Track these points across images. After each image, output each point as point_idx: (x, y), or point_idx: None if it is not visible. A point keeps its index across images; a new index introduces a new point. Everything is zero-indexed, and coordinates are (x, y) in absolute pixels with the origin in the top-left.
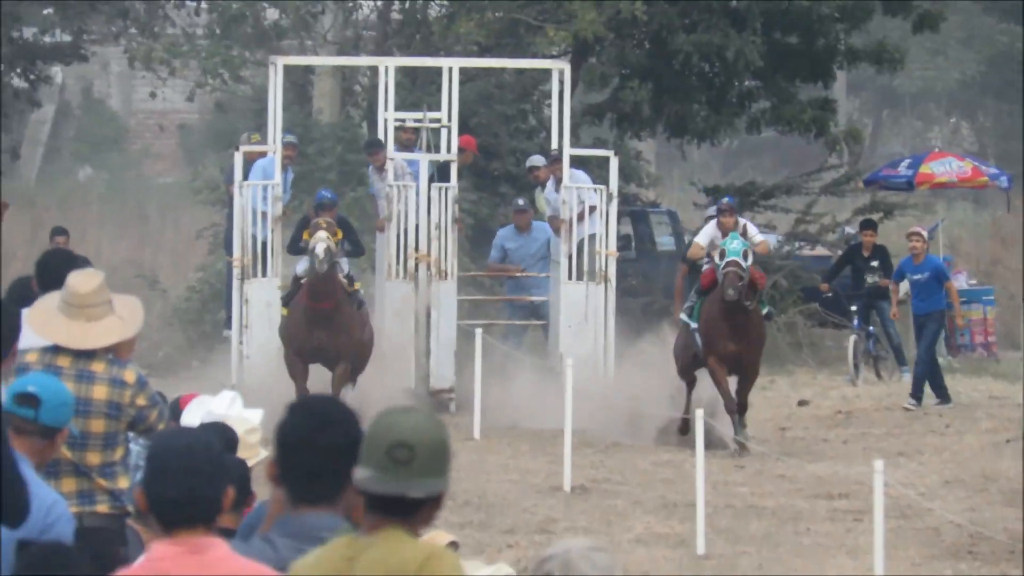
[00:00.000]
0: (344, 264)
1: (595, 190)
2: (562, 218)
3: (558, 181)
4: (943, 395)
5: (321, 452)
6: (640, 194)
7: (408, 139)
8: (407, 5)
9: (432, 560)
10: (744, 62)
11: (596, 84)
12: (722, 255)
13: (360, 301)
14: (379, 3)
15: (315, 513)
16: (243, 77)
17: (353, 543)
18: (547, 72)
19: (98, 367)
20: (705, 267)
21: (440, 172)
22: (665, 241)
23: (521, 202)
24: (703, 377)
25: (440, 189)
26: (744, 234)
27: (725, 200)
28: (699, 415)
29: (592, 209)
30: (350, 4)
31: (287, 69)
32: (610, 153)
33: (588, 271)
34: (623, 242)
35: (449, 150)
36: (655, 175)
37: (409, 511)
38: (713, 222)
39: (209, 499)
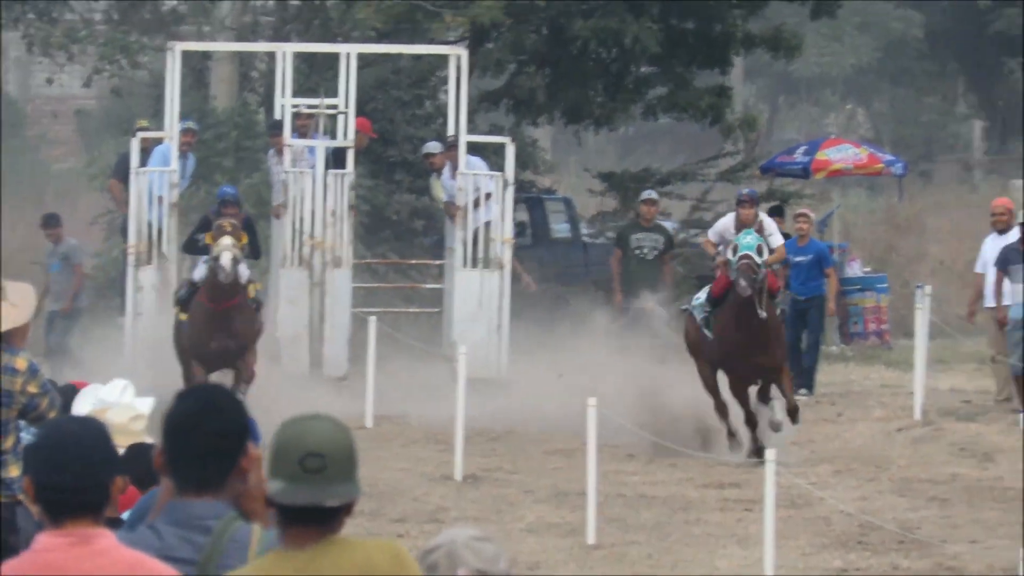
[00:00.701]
0: (244, 269)
1: (491, 177)
2: (458, 205)
3: (454, 168)
4: (809, 384)
5: (207, 439)
6: (536, 181)
7: (304, 125)
8: None
9: (399, 556)
10: (641, 48)
11: (493, 70)
12: (735, 250)
13: (259, 303)
14: None
15: (201, 501)
16: (141, 63)
17: (289, 559)
18: (444, 58)
19: None
20: (717, 261)
21: (336, 158)
22: (561, 228)
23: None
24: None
25: (336, 176)
26: (760, 230)
27: (746, 191)
28: (592, 403)
29: (488, 196)
30: None
31: (185, 55)
32: (506, 140)
33: (483, 258)
34: (519, 229)
35: (346, 136)
36: (551, 162)
37: (325, 519)
38: (730, 215)
39: (97, 489)
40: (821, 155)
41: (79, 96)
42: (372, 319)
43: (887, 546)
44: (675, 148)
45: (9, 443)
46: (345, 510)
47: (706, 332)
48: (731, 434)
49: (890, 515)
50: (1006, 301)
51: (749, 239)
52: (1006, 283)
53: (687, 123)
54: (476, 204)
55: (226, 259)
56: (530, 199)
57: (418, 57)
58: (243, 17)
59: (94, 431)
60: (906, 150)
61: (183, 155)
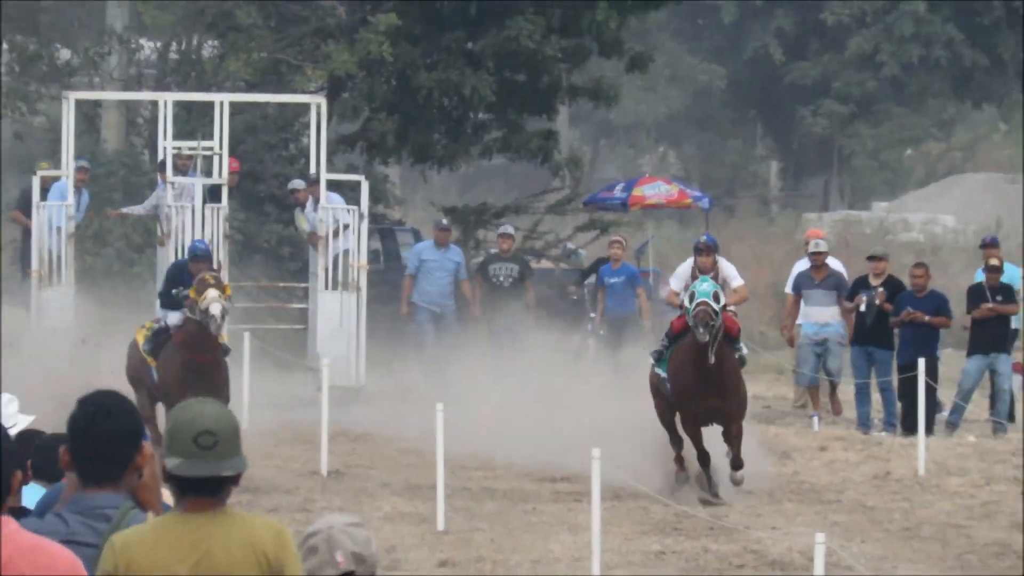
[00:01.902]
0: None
1: (348, 210)
2: (319, 234)
3: (316, 202)
4: None
5: (105, 439)
6: (387, 214)
7: (184, 164)
8: (183, 46)
9: (280, 534)
10: (478, 97)
11: (348, 116)
12: (692, 297)
13: (227, 349)
14: (158, 44)
15: (102, 493)
16: (39, 110)
17: (184, 521)
18: (306, 106)
19: None
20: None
21: (212, 194)
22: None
23: (445, 222)
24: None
25: (213, 209)
26: (716, 277)
27: (703, 239)
28: (440, 407)
29: (346, 227)
30: (132, 46)
31: (78, 103)
32: (361, 177)
33: (342, 281)
34: (373, 256)
35: (220, 174)
36: (400, 197)
37: (217, 490)
38: (689, 261)
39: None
40: (637, 191)
41: None
42: (246, 335)
43: (699, 532)
44: (509, 185)
45: None
46: (234, 481)
47: (659, 371)
48: (680, 464)
49: (701, 506)
50: (799, 321)
51: (705, 286)
52: (801, 304)
53: (519, 163)
54: (335, 234)
55: (217, 310)
56: (382, 230)
57: (283, 105)
58: (129, 69)
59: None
60: (711, 187)
61: (78, 190)
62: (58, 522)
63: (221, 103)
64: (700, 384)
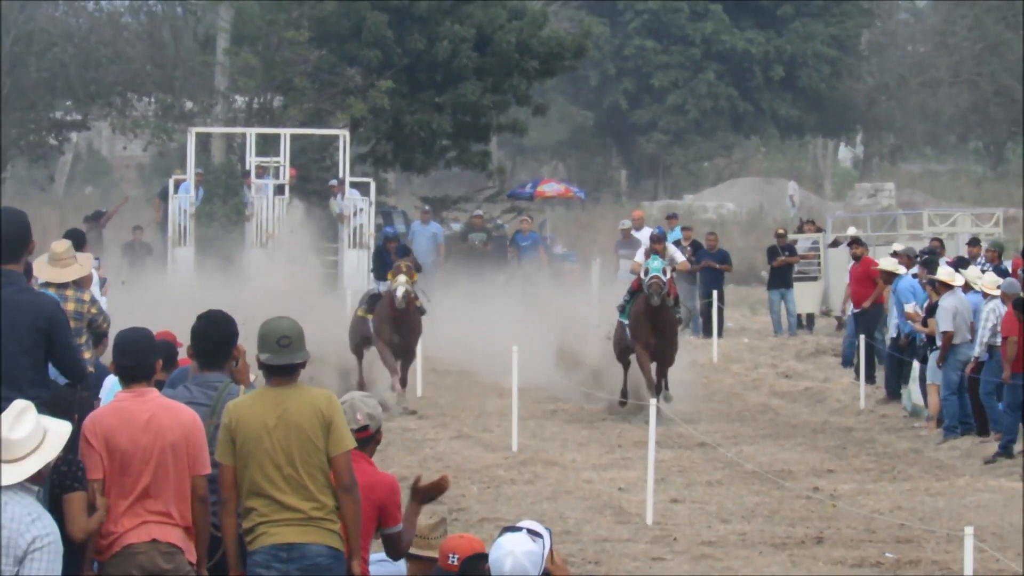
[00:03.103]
0: (415, 294)
1: (362, 199)
2: (344, 214)
3: (343, 194)
4: None
5: (214, 340)
6: (386, 201)
7: (261, 172)
8: (262, 100)
9: (331, 399)
10: (442, 131)
11: (362, 142)
12: (646, 272)
13: (422, 311)
14: (246, 98)
15: (212, 373)
16: (173, 138)
17: (271, 392)
18: (336, 136)
19: (68, 292)
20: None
21: (278, 190)
22: (400, 227)
23: (426, 207)
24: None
25: (280, 199)
26: (663, 255)
27: (655, 231)
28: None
29: (361, 210)
30: (230, 99)
31: (197, 134)
32: (371, 180)
33: (358, 242)
34: (377, 227)
35: (284, 177)
36: (394, 191)
37: (292, 372)
38: (646, 246)
39: (147, 367)
40: (540, 188)
41: (139, 156)
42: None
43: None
44: (461, 184)
45: (83, 339)
46: (301, 367)
47: (622, 319)
48: (625, 395)
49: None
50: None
51: (656, 263)
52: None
53: (467, 171)
54: (355, 214)
55: (400, 292)
56: (383, 211)
57: (323, 135)
58: (227, 113)
59: (144, 336)
60: (585, 186)
61: (197, 187)
62: (185, 392)
63: (285, 135)
64: (651, 329)
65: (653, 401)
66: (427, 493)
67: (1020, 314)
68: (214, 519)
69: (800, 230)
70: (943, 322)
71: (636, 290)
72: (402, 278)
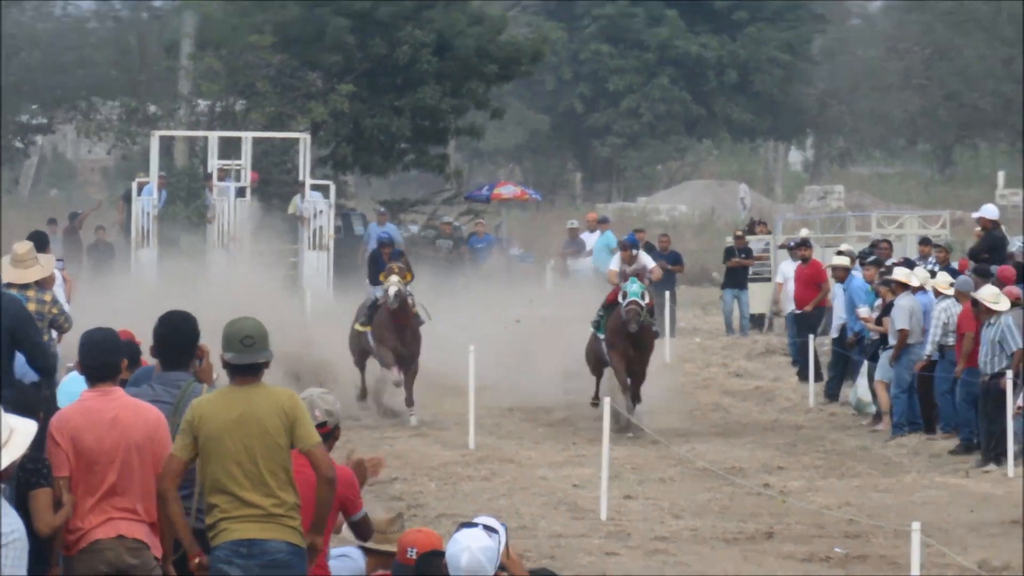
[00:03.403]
0: (408, 295)
1: (323, 201)
2: (305, 216)
3: (303, 196)
4: None
5: (176, 340)
6: (345, 204)
7: (223, 175)
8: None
9: (293, 397)
10: (400, 134)
11: (323, 145)
12: (624, 296)
13: (421, 320)
14: (209, 102)
15: (175, 372)
16: (137, 142)
17: (235, 390)
18: (297, 139)
19: (30, 292)
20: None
21: (239, 192)
22: (359, 230)
23: (382, 209)
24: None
25: (240, 201)
26: (633, 262)
27: (626, 239)
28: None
29: (320, 212)
30: (193, 104)
31: (161, 138)
32: (331, 182)
33: (318, 244)
34: (337, 229)
35: (245, 180)
36: (354, 193)
37: (256, 372)
38: (619, 253)
39: (113, 366)
40: (497, 191)
41: (103, 159)
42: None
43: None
44: (419, 187)
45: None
46: (265, 366)
47: (598, 334)
48: (597, 398)
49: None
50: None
51: (635, 287)
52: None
53: (425, 173)
54: (315, 216)
55: (392, 291)
56: (342, 214)
57: (284, 138)
58: (190, 117)
59: (110, 336)
60: (540, 188)
61: (160, 190)
62: (148, 390)
63: (246, 138)
64: (627, 340)
65: (607, 399)
66: (360, 472)
67: (976, 311)
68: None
69: (751, 232)
70: (899, 321)
71: (611, 303)
72: (394, 278)
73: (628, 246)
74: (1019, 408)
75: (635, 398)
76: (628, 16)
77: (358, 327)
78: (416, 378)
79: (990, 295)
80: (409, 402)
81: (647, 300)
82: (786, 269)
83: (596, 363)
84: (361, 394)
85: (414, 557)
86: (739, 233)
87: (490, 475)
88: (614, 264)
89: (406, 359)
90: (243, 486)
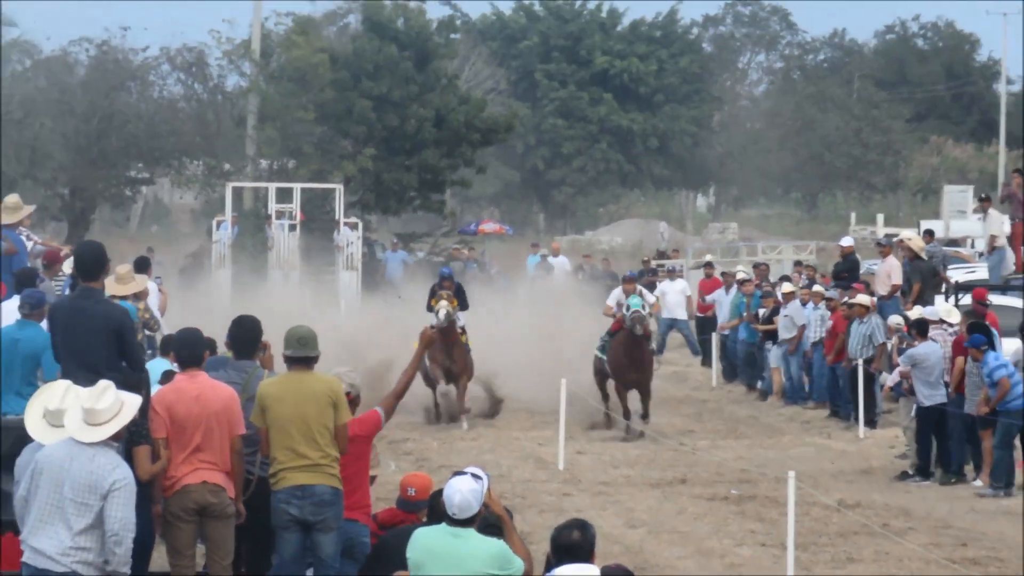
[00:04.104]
0: (460, 317)
1: (354, 233)
2: (340, 245)
3: (339, 231)
4: None
5: (246, 337)
6: (369, 236)
7: (279, 214)
8: (280, 162)
9: (336, 383)
10: (410, 185)
11: (353, 193)
12: (627, 308)
13: (467, 348)
14: (268, 161)
15: (244, 361)
16: (215, 190)
17: (293, 376)
18: (334, 188)
19: (129, 301)
20: (616, 316)
21: (291, 228)
22: (381, 255)
23: (395, 239)
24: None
25: (291, 235)
26: (640, 294)
27: (628, 273)
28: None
29: (351, 243)
30: (257, 162)
31: (233, 188)
32: (359, 220)
33: (349, 265)
34: (362, 254)
35: (295, 218)
36: (375, 227)
37: (308, 363)
38: (619, 288)
39: (198, 356)
40: (481, 227)
41: (191, 203)
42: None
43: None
44: (424, 223)
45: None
46: (315, 360)
47: (601, 356)
48: (609, 417)
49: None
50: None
51: (636, 300)
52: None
53: (429, 213)
54: (347, 245)
55: (442, 313)
56: (367, 243)
57: (324, 188)
58: (255, 172)
59: (196, 333)
60: (513, 225)
61: (233, 226)
62: (224, 374)
63: (296, 188)
64: (629, 364)
65: (564, 381)
66: (425, 342)
67: (849, 311)
68: (248, 466)
69: (668, 257)
70: (792, 323)
71: (615, 331)
72: (443, 303)
73: (630, 280)
74: (887, 388)
75: (645, 413)
76: (576, 99)
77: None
78: (466, 390)
79: (943, 310)
80: (461, 410)
81: (647, 311)
82: (664, 286)
83: (602, 380)
84: (435, 413)
85: (414, 495)
86: (646, 259)
87: (477, 436)
88: (612, 299)
89: (455, 374)
90: (298, 443)
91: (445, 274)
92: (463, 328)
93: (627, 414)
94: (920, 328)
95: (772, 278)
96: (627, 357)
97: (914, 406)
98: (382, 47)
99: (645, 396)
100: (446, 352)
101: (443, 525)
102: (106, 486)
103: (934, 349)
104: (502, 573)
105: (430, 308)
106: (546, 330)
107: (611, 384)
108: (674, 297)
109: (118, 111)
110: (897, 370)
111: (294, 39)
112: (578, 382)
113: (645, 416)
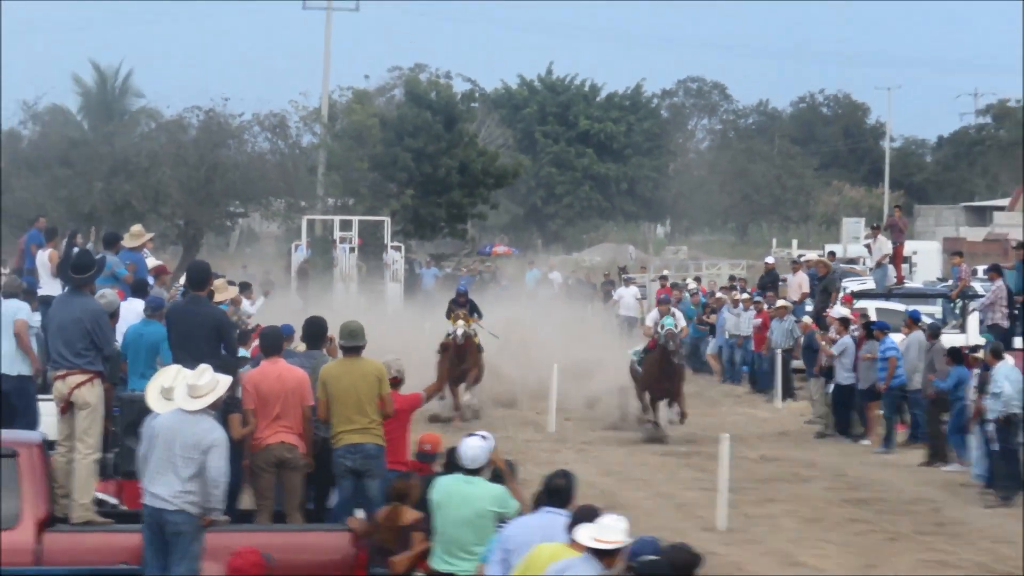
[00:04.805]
0: (480, 328)
1: (399, 254)
2: (388, 263)
3: (387, 252)
4: None
5: (315, 333)
6: (409, 256)
7: (342, 239)
8: (343, 199)
9: (380, 367)
10: (440, 219)
11: (398, 224)
12: (662, 327)
13: (480, 348)
14: (334, 200)
15: (314, 351)
16: (295, 221)
17: (346, 361)
18: (383, 221)
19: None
20: (653, 335)
21: (351, 250)
22: (421, 273)
23: (429, 258)
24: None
25: (351, 256)
26: (673, 315)
27: (663, 296)
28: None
29: (395, 261)
30: (326, 200)
31: (308, 220)
32: (401, 244)
33: (394, 279)
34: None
35: (354, 243)
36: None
37: (357, 351)
38: (656, 309)
39: (278, 347)
40: (495, 249)
41: (275, 231)
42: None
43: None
44: (451, 247)
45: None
46: (362, 347)
47: (638, 368)
48: (646, 419)
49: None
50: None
51: (670, 320)
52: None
53: (455, 240)
54: (393, 263)
55: (460, 331)
56: (408, 261)
57: (375, 221)
58: (324, 208)
59: (277, 329)
60: (519, 247)
61: (308, 249)
62: (298, 360)
63: (355, 220)
64: (660, 376)
65: (555, 365)
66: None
67: (775, 312)
68: (316, 429)
69: (628, 271)
70: (730, 326)
71: (651, 348)
72: (460, 322)
73: (664, 302)
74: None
75: (681, 415)
76: (566, 152)
77: (438, 351)
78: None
79: (841, 312)
80: (468, 387)
81: (679, 330)
82: (621, 291)
83: (640, 391)
84: (455, 407)
85: (428, 449)
86: (607, 273)
87: (488, 411)
88: (649, 320)
89: (464, 373)
90: (352, 412)
91: (461, 290)
92: (476, 332)
93: (656, 420)
94: (844, 323)
95: (714, 288)
96: (660, 370)
97: (833, 384)
98: (419, 113)
99: (680, 401)
100: (462, 358)
101: (458, 474)
102: (206, 444)
103: (849, 342)
104: (501, 510)
105: (448, 315)
106: (545, 324)
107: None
108: (629, 300)
109: (220, 162)
110: (826, 355)
111: (353, 107)
112: (571, 358)
113: (682, 418)
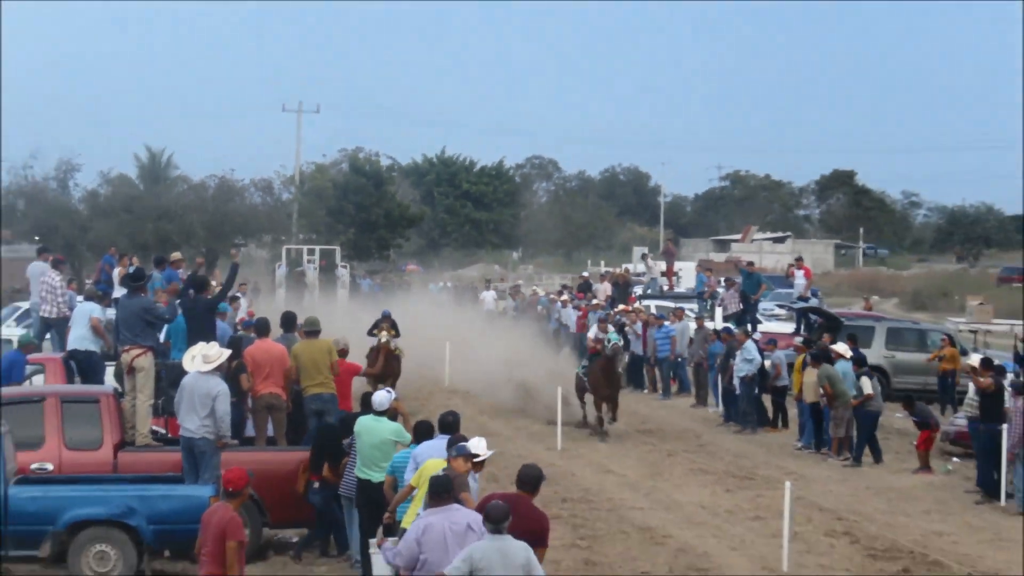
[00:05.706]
0: (394, 341)
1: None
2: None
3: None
4: None
5: (288, 322)
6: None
7: (309, 262)
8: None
9: (329, 343)
10: (372, 246)
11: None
12: (608, 342)
13: (398, 358)
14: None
15: (289, 334)
16: (276, 249)
17: (308, 341)
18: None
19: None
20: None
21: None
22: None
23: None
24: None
25: (316, 272)
26: (616, 332)
27: (600, 315)
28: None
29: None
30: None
31: (286, 249)
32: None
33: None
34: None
35: (337, 262)
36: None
37: (317, 334)
38: (595, 326)
39: (267, 329)
40: (408, 267)
41: (264, 255)
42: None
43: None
44: (380, 265)
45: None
46: (319, 332)
47: (583, 376)
48: (586, 421)
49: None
50: None
51: (614, 335)
52: None
53: (382, 260)
54: (341, 276)
55: (383, 339)
56: (352, 275)
57: (331, 249)
58: (296, 240)
59: (265, 321)
60: (424, 267)
61: (286, 266)
62: (282, 340)
63: (317, 248)
64: (605, 382)
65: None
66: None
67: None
68: (294, 386)
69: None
70: (563, 318)
71: (593, 354)
72: (384, 334)
73: (603, 320)
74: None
75: (613, 418)
76: (454, 204)
77: (368, 360)
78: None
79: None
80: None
81: (620, 343)
82: (484, 294)
83: (581, 394)
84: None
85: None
86: (477, 283)
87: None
88: (591, 334)
89: (388, 374)
90: (312, 374)
91: (386, 314)
92: (396, 345)
93: (600, 421)
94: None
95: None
96: (604, 377)
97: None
98: (358, 179)
99: (613, 407)
100: (386, 362)
101: (371, 414)
102: (214, 393)
103: (639, 327)
104: (399, 439)
105: (370, 332)
106: (441, 316)
107: (589, 397)
108: (489, 299)
109: (229, 210)
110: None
111: (315, 175)
112: (473, 347)
113: (614, 420)
